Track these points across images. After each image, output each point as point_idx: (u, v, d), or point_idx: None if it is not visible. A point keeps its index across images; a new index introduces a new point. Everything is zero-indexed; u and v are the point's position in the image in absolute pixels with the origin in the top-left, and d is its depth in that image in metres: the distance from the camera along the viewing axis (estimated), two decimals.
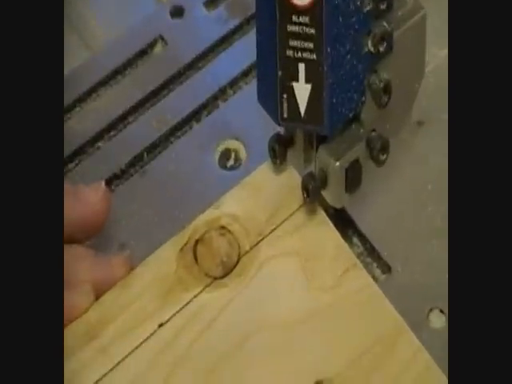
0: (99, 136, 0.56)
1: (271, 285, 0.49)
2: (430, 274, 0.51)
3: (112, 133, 0.56)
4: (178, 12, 0.59)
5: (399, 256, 0.52)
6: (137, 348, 0.47)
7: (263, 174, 0.51)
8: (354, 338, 0.48)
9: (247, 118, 0.55)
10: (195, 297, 0.49)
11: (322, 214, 0.50)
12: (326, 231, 0.50)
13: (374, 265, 0.52)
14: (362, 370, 0.47)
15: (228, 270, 0.49)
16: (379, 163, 0.49)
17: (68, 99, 0.57)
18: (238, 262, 0.49)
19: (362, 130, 0.49)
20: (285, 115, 0.47)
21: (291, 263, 0.50)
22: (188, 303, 0.48)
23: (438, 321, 0.51)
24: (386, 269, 0.52)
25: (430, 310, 0.50)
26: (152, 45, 0.59)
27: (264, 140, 0.51)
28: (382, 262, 0.52)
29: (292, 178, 0.50)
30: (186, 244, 0.49)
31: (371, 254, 0.52)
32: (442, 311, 0.51)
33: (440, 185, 0.54)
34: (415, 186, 0.54)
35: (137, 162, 0.56)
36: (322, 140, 0.49)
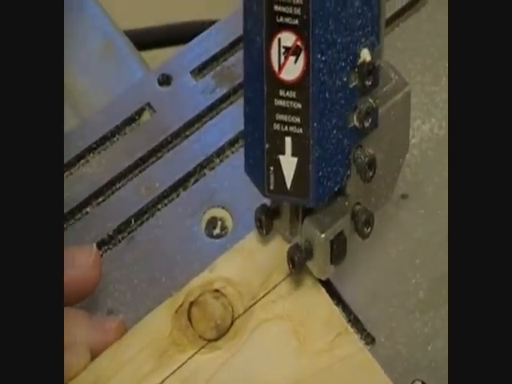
0: (87, 201, 0.57)
1: (264, 348, 0.50)
2: (413, 346, 0.51)
3: (100, 199, 0.57)
4: (165, 80, 0.59)
5: (383, 327, 0.52)
6: None
7: (255, 239, 0.52)
8: None
9: (234, 187, 0.55)
10: (190, 358, 0.49)
11: (313, 279, 0.50)
12: (318, 296, 0.51)
13: (358, 336, 0.52)
14: None
15: (222, 333, 0.50)
16: (364, 236, 0.49)
17: None
18: (231, 324, 0.50)
19: (346, 203, 0.49)
20: (271, 187, 0.47)
21: (284, 327, 0.50)
22: (182, 365, 0.49)
23: None
24: (370, 340, 0.52)
25: (413, 382, 0.50)
26: (140, 112, 0.59)
27: (251, 208, 0.51)
28: (366, 333, 0.52)
29: (283, 244, 0.51)
30: (180, 306, 0.50)
31: (355, 325, 0.52)
32: (423, 383, 0.51)
33: (424, 258, 0.54)
34: (399, 259, 0.54)
35: (124, 228, 0.56)
36: (308, 212, 0.49)
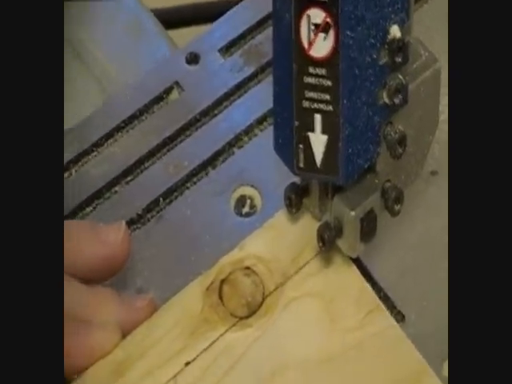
0: (116, 181, 0.57)
1: (295, 325, 0.50)
2: (444, 323, 0.51)
3: (129, 178, 0.57)
4: (193, 59, 0.60)
5: (413, 305, 0.52)
6: None
7: (285, 217, 0.52)
8: (378, 380, 0.49)
9: (262, 165, 0.56)
10: (221, 336, 0.49)
11: (343, 257, 0.51)
12: (348, 273, 0.51)
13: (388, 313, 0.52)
14: None
15: (253, 310, 0.50)
16: (394, 213, 0.50)
17: (85, 144, 0.58)
18: (262, 302, 0.50)
19: (376, 181, 0.49)
20: (301, 165, 0.48)
21: (315, 304, 0.50)
22: (214, 342, 0.49)
23: None
24: (400, 317, 0.52)
25: (443, 359, 0.50)
26: (168, 91, 0.59)
27: (279, 187, 0.51)
28: (396, 310, 0.52)
29: (313, 222, 0.51)
30: (211, 284, 0.50)
31: (385, 303, 0.52)
32: None
33: None
34: (429, 237, 0.54)
35: (153, 207, 0.56)
36: (338, 190, 0.49)
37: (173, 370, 0.48)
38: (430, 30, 0.56)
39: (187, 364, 0.48)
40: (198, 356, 0.48)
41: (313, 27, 0.45)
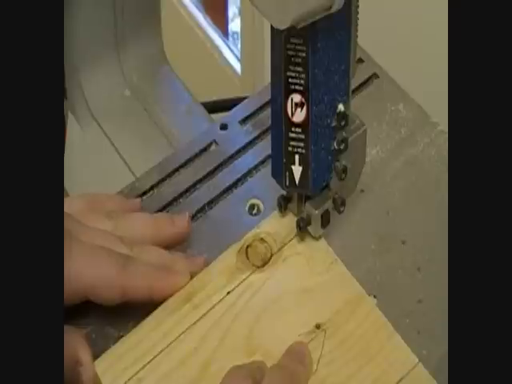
0: (179, 196, 0.56)
1: (289, 271, 0.50)
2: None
3: (187, 193, 0.56)
4: (224, 127, 0.60)
5: (356, 264, 0.51)
6: (216, 305, 0.48)
7: (278, 215, 0.52)
8: (332, 302, 0.48)
9: (264, 186, 0.55)
10: (247, 277, 0.49)
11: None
12: (317, 243, 0.51)
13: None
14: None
15: (265, 262, 0.50)
16: (339, 212, 0.51)
17: (162, 174, 0.57)
18: (270, 258, 0.50)
19: (330, 193, 0.50)
20: (287, 184, 0.49)
21: (300, 259, 0.50)
22: (243, 281, 0.49)
23: None
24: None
25: (369, 295, 0.49)
26: (209, 145, 0.59)
27: (274, 198, 0.52)
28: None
29: (294, 217, 0.51)
30: (241, 248, 0.51)
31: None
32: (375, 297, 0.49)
33: (374, 225, 0.54)
34: (359, 226, 0.54)
35: (201, 211, 0.55)
36: (308, 198, 0.50)
37: (220, 296, 0.48)
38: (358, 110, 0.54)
39: (228, 293, 0.48)
40: (234, 288, 0.48)
41: (294, 104, 0.46)
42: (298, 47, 0.43)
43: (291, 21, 0.40)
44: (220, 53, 1.44)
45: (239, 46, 1.40)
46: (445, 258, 0.48)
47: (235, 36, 1.47)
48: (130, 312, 0.47)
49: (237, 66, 1.42)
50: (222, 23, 1.46)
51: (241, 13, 1.38)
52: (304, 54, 0.43)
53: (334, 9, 0.41)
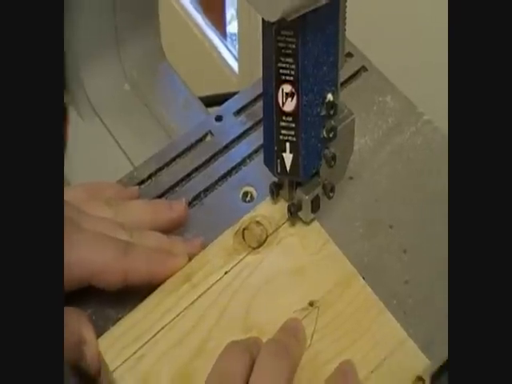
0: (176, 184, 0.56)
1: (284, 251, 0.50)
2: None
3: (184, 182, 0.56)
4: (219, 118, 0.60)
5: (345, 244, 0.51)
6: (213, 285, 0.48)
7: (270, 201, 0.52)
8: (324, 282, 0.48)
9: (257, 174, 0.55)
10: (244, 258, 0.49)
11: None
12: (310, 225, 0.51)
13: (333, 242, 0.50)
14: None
15: (260, 244, 0.50)
16: (329, 198, 0.51)
17: (160, 163, 0.57)
18: (265, 239, 0.50)
19: (319, 180, 0.50)
20: (278, 171, 0.49)
21: (294, 240, 0.50)
22: (240, 261, 0.49)
23: None
24: None
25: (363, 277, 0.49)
26: (205, 136, 0.59)
27: (266, 185, 0.52)
28: None
29: (285, 203, 0.51)
30: (238, 230, 0.50)
31: None
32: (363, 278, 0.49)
33: (360, 209, 0.54)
34: (345, 210, 0.54)
35: (197, 198, 0.55)
36: (299, 184, 0.50)
37: (217, 276, 0.48)
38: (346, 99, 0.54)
39: (226, 273, 0.48)
40: (231, 268, 0.48)
41: (285, 94, 0.46)
42: (289, 39, 0.43)
43: (281, 13, 0.40)
44: (218, 53, 1.44)
45: (237, 46, 1.40)
46: (430, 240, 0.50)
47: (233, 37, 1.47)
48: (129, 294, 0.46)
49: (234, 65, 1.42)
50: (220, 25, 1.46)
51: (238, 15, 1.38)
52: (294, 46, 0.43)
53: (323, 2, 0.41)
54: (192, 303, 0.46)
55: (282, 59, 0.44)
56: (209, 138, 0.58)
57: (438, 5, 0.66)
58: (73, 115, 0.75)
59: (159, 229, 0.49)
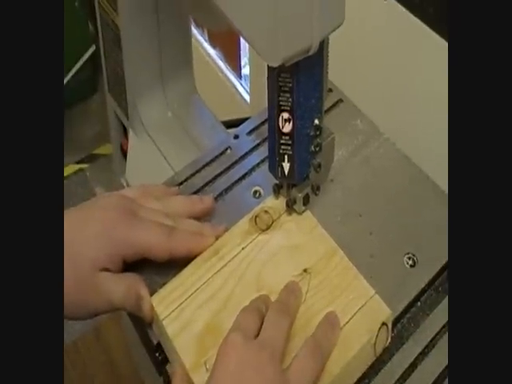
0: (205, 184, 0.55)
1: (285, 232, 0.49)
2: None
3: (209, 184, 0.55)
4: (236, 137, 0.59)
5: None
6: (234, 257, 0.47)
7: (273, 197, 0.51)
8: (312, 255, 0.47)
9: (264, 178, 0.54)
10: (256, 237, 0.48)
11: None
12: (304, 214, 0.50)
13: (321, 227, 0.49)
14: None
15: (268, 227, 0.49)
16: (316, 195, 0.50)
17: (193, 170, 0.56)
18: (271, 224, 0.49)
19: (309, 182, 0.49)
20: (279, 175, 0.48)
21: (292, 225, 0.49)
22: (253, 240, 0.48)
23: None
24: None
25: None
26: (226, 150, 0.58)
27: (270, 186, 0.51)
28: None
29: (284, 199, 0.50)
30: (251, 217, 0.49)
31: None
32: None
33: (341, 204, 0.52)
34: (329, 206, 0.53)
35: (220, 195, 0.54)
36: (294, 185, 0.49)
37: (237, 251, 0.47)
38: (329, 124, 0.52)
39: (243, 249, 0.47)
40: (247, 245, 0.48)
41: (284, 120, 0.45)
42: (287, 79, 0.43)
43: (281, 60, 0.39)
44: (236, 89, 1.44)
45: (249, 84, 1.39)
46: (391, 225, 0.48)
47: (246, 78, 1.47)
48: (172, 265, 0.47)
49: (247, 97, 1.42)
50: (236, 68, 1.46)
51: (250, 62, 1.38)
52: (290, 85, 0.42)
53: (312, 52, 0.41)
54: (219, 270, 0.45)
55: (282, 94, 0.44)
56: (228, 151, 0.58)
57: (401, 48, 0.64)
58: (131, 135, 0.75)
59: (194, 217, 0.48)
